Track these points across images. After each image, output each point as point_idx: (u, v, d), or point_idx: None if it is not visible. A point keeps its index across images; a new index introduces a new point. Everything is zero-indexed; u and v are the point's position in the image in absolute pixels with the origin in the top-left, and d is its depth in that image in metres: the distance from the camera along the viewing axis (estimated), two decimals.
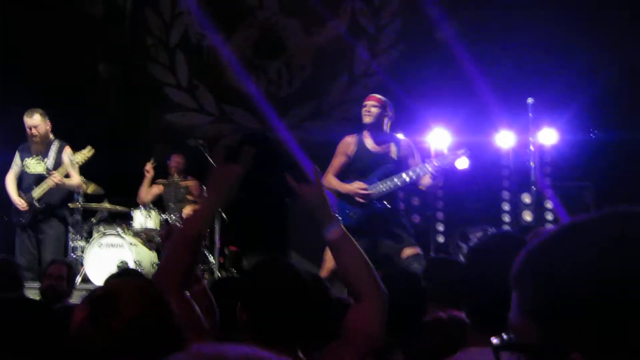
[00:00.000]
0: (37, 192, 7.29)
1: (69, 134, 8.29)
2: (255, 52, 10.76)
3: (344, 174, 6.16)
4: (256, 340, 2.17)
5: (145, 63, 10.90)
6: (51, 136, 7.47)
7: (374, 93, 6.36)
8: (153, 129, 10.62)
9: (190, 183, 8.63)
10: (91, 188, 8.30)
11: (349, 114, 10.04)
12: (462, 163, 6.04)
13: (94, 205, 8.32)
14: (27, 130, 7.30)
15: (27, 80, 9.32)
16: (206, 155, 8.03)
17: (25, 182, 7.45)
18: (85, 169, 7.90)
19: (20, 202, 7.29)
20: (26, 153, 7.45)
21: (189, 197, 8.60)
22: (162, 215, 8.20)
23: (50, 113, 7.59)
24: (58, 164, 7.39)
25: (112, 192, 8.63)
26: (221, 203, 2.58)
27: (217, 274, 7.89)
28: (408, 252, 5.87)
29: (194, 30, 10.79)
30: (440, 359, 2.22)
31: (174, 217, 8.19)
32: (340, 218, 4.96)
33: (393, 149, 6.13)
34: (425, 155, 6.01)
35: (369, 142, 6.15)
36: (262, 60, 10.79)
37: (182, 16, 10.79)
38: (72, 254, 8.05)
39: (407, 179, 5.87)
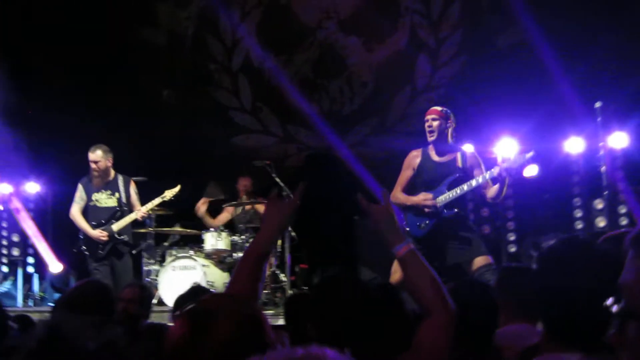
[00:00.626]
0: (117, 225, 7.46)
1: (139, 160, 8.52)
2: (316, 72, 10.85)
3: (413, 188, 6.20)
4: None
5: (209, 88, 11.10)
6: (112, 172, 7.64)
7: (437, 105, 6.34)
8: (219, 153, 10.79)
9: (259, 206, 8.73)
10: (162, 211, 8.50)
11: (412, 128, 10.00)
12: (531, 170, 5.96)
13: (165, 229, 8.50)
14: (91, 164, 7.49)
15: (92, 112, 9.57)
16: (272, 175, 8.13)
17: (97, 216, 7.56)
18: (157, 194, 8.10)
19: (101, 234, 7.42)
20: (91, 188, 7.59)
21: (259, 218, 8.71)
22: (232, 236, 8.31)
23: (117, 142, 7.78)
24: (127, 197, 7.63)
25: (182, 216, 8.79)
26: (277, 233, 2.71)
27: (289, 292, 7.94)
28: (479, 261, 5.84)
29: (256, 53, 10.95)
30: None
31: (244, 238, 8.29)
32: (409, 237, 5.33)
33: (459, 159, 6.10)
34: (493, 165, 5.93)
35: (434, 154, 6.17)
36: (324, 79, 10.87)
37: (243, 40, 10.96)
38: (146, 278, 8.23)
39: (474, 183, 5.87)
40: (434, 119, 6.09)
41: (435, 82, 10.28)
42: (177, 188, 7.77)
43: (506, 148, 7.17)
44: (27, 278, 9.13)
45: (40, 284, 9.26)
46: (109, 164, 7.55)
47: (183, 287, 7.54)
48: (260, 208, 8.69)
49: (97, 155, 7.45)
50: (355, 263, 8.31)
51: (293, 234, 8.21)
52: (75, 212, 7.59)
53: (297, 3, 10.79)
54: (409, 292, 2.59)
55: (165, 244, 8.66)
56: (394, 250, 2.59)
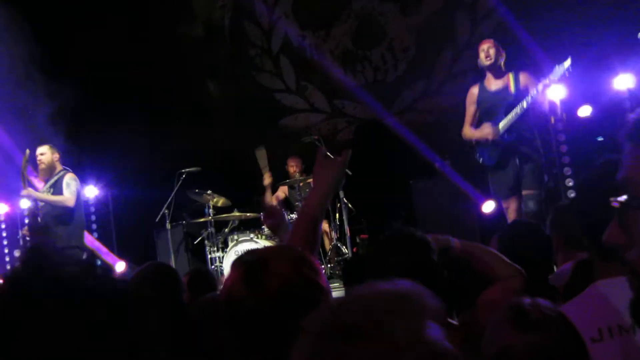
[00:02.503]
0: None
1: (191, 152, 8.63)
2: (356, 43, 10.78)
3: (479, 119, 6.71)
4: None
5: (252, 73, 11.14)
6: (59, 167, 7.62)
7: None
8: (270, 136, 10.84)
9: (311, 180, 8.75)
10: (221, 201, 8.58)
11: (458, 87, 9.85)
12: (584, 111, 6.17)
13: (224, 216, 8.60)
14: (37, 157, 7.56)
15: (141, 110, 9.71)
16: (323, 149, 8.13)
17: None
18: (213, 185, 8.18)
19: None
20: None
21: None
22: (290, 215, 8.36)
23: (168, 137, 7.85)
24: (56, 191, 7.51)
25: (239, 202, 8.89)
26: (327, 194, 2.62)
27: None
28: (527, 191, 6.40)
29: (294, 32, 10.94)
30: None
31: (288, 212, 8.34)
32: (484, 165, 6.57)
33: (511, 84, 6.51)
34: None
35: (489, 84, 6.62)
36: (365, 49, 10.79)
37: (281, 21, 10.96)
38: (211, 266, 8.35)
39: (525, 105, 6.25)
40: (490, 47, 6.57)
41: (477, 38, 10.09)
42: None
43: (555, 93, 7.02)
44: None
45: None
46: (55, 159, 7.59)
47: None
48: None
49: (44, 148, 7.54)
50: (414, 227, 8.27)
51: (350, 205, 8.21)
52: None
53: None
54: (483, 273, 2.72)
55: (226, 230, 8.77)
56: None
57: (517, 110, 6.28)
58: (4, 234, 9.36)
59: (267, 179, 8.96)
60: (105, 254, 9.05)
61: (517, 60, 8.01)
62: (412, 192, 8.39)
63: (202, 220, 8.53)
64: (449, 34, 10.40)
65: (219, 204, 8.65)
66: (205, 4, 11.06)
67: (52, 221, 7.44)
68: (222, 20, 11.18)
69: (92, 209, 9.43)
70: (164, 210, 8.64)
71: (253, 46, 11.15)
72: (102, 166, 9.30)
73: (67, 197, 7.41)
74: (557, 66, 6.17)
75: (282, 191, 9.13)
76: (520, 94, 6.38)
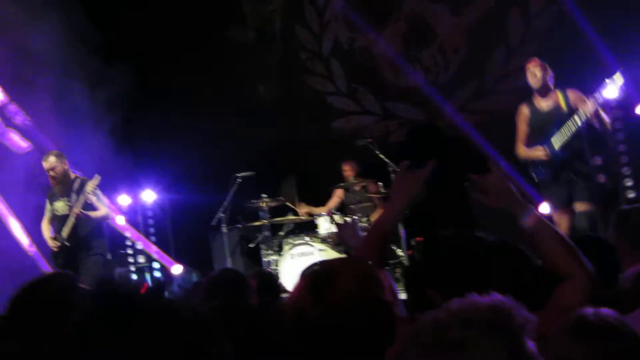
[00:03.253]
0: (64, 232, 7.14)
1: (245, 156, 8.72)
2: (406, 44, 10.75)
3: (532, 137, 6.83)
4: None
5: (303, 77, 11.21)
6: (72, 175, 7.39)
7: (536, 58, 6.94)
8: (322, 139, 10.88)
9: (367, 183, 8.77)
10: (303, 209, 8.69)
11: (512, 86, 9.75)
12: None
13: (279, 219, 8.68)
14: (47, 173, 7.28)
15: (195, 116, 9.84)
16: (376, 152, 8.16)
17: (57, 225, 7.33)
18: (266, 188, 8.23)
19: (52, 244, 7.20)
20: (55, 196, 7.38)
21: (369, 196, 8.76)
22: (345, 218, 8.39)
23: (221, 142, 7.90)
24: (81, 200, 7.19)
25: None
26: (403, 210, 2.64)
27: None
28: (579, 207, 6.56)
29: (345, 35, 10.97)
30: None
31: (356, 219, 8.35)
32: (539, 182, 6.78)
33: (561, 102, 6.67)
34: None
35: (539, 103, 6.76)
36: (415, 50, 10.75)
37: (331, 24, 11.01)
38: (267, 269, 8.42)
39: (579, 121, 6.42)
40: (535, 67, 6.73)
41: (530, 36, 9.98)
42: (96, 179, 7.21)
43: (611, 91, 6.92)
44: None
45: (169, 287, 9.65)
46: (66, 167, 7.34)
47: None
48: (369, 185, 8.76)
49: (51, 162, 7.25)
50: (472, 229, 8.22)
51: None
52: (42, 225, 7.42)
53: None
54: (544, 261, 2.48)
55: (281, 233, 8.85)
56: (522, 221, 2.49)
57: (571, 128, 6.45)
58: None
59: (302, 209, 8.95)
60: (161, 257, 9.22)
61: (579, 55, 7.93)
62: (469, 194, 8.34)
63: (257, 223, 8.62)
64: (501, 33, 10.30)
65: (273, 204, 8.71)
66: (256, 8, 11.16)
67: (88, 235, 7.20)
68: (273, 24, 11.27)
69: (150, 213, 9.60)
70: (220, 214, 8.75)
71: (304, 50, 11.22)
72: (159, 171, 9.46)
73: (105, 210, 7.30)
74: (607, 80, 6.29)
75: (337, 195, 9.17)
76: (572, 111, 6.52)
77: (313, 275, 1.92)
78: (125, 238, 9.44)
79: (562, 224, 6.55)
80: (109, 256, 7.71)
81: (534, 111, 6.78)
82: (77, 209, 7.05)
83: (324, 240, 8.26)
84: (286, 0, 11.19)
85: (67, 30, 8.32)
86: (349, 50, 11.00)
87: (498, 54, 10.30)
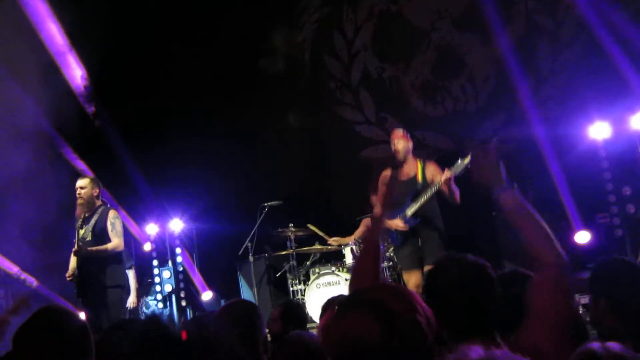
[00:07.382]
0: (71, 265, 7.05)
1: (273, 185, 8.73)
2: (435, 74, 10.75)
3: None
4: (451, 336, 2.16)
5: (332, 106, 11.24)
6: (97, 203, 7.24)
7: (399, 128, 7.32)
8: (350, 169, 10.87)
9: None
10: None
11: (543, 114, 9.68)
12: None
13: (306, 249, 8.66)
14: (76, 190, 7.20)
15: (225, 146, 9.89)
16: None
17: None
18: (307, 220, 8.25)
19: (67, 274, 7.05)
20: (79, 223, 7.18)
21: None
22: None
23: (251, 171, 7.91)
24: (99, 229, 7.10)
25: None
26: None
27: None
28: (428, 267, 6.74)
29: (373, 65, 11.00)
30: None
31: (382, 248, 8.30)
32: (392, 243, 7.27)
33: (419, 173, 7.00)
34: None
35: (400, 173, 7.05)
36: (444, 80, 10.74)
37: (360, 54, 11.05)
38: (293, 298, 8.39)
39: (429, 192, 6.77)
40: (398, 139, 7.05)
41: (558, 66, 9.91)
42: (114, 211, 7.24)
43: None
44: (182, 310, 9.52)
45: (194, 313, 9.64)
46: (95, 193, 7.23)
47: None
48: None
49: (83, 183, 7.20)
50: (498, 258, 8.13)
51: None
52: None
53: (409, 8, 10.78)
54: (521, 238, 2.55)
55: (307, 263, 8.82)
56: (496, 194, 2.61)
57: (424, 198, 6.80)
58: (154, 254, 9.64)
59: (334, 243, 8.91)
60: (198, 280, 9.29)
61: (609, 83, 7.85)
62: (496, 222, 8.27)
63: (284, 253, 8.61)
64: (530, 63, 10.25)
65: (300, 233, 8.70)
66: (286, 39, 11.24)
67: (101, 261, 7.05)
68: (303, 54, 11.35)
69: (177, 242, 9.63)
70: (247, 243, 8.75)
71: (333, 79, 11.26)
72: (187, 200, 9.51)
73: (116, 242, 7.08)
74: (459, 160, 6.44)
75: (365, 225, 9.10)
76: (426, 183, 6.92)
77: (378, 311, 1.82)
78: (153, 266, 9.49)
79: (411, 284, 6.88)
80: (131, 284, 7.75)
81: (394, 180, 6.67)
82: (75, 247, 6.97)
83: (350, 269, 8.21)
84: (315, 31, 11.26)
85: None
86: (377, 80, 11.02)
87: (527, 84, 10.23)
